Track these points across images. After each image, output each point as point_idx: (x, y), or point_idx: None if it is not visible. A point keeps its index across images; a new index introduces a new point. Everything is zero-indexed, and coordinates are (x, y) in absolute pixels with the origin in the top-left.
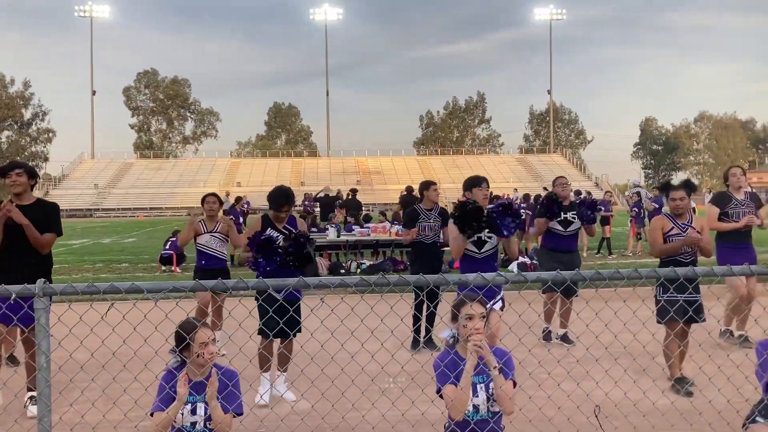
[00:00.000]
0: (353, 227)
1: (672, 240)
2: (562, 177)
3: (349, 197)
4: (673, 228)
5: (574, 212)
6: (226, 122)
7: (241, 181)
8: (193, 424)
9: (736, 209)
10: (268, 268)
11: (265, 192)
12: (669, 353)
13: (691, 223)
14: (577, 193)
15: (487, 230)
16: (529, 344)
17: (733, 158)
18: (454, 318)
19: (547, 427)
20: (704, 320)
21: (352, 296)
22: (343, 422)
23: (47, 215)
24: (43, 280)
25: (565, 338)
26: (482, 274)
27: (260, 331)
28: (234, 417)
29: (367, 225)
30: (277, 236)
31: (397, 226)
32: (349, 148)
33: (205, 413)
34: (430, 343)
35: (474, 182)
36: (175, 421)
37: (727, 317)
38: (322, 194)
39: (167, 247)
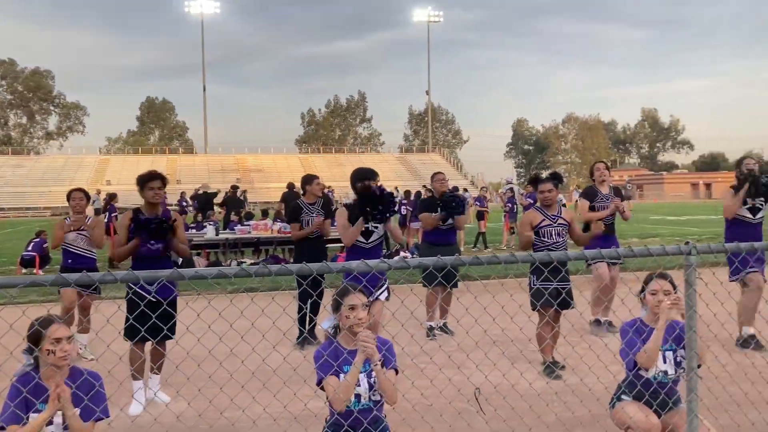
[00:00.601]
0: (235, 225)
1: (543, 230)
2: (439, 173)
3: (228, 194)
4: (543, 220)
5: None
6: (95, 117)
7: (111, 179)
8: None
9: (601, 203)
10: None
11: (135, 190)
12: (542, 338)
13: (560, 214)
14: (454, 189)
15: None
16: (412, 332)
17: (597, 157)
18: (336, 307)
19: (429, 412)
20: (574, 307)
21: (231, 295)
22: (222, 419)
23: None
24: None
25: (444, 328)
26: (365, 261)
27: (128, 333)
28: (98, 421)
29: (248, 222)
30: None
31: (279, 224)
32: (228, 145)
33: (63, 422)
34: (312, 335)
35: (365, 175)
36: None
37: (594, 306)
38: (200, 191)
39: (29, 248)
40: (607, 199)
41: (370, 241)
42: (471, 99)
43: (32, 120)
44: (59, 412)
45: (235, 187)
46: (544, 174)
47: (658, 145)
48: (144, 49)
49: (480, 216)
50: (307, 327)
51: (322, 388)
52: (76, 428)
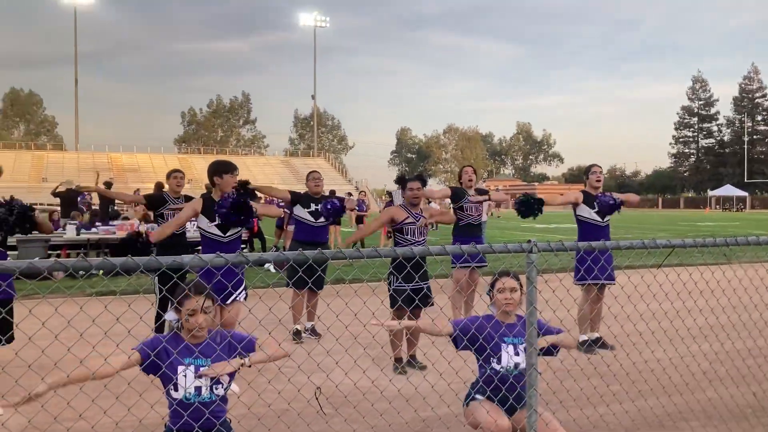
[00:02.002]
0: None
1: (407, 228)
2: (315, 171)
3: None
4: (407, 217)
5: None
6: None
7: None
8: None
9: (468, 203)
10: None
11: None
12: (394, 338)
13: (422, 214)
14: (331, 192)
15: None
16: (278, 337)
17: (475, 167)
18: (177, 309)
19: (286, 413)
20: (432, 305)
21: (86, 299)
22: (55, 424)
23: None
24: None
25: (313, 331)
26: (222, 254)
27: None
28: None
29: (113, 223)
30: None
31: (147, 225)
32: (101, 142)
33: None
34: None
35: (226, 168)
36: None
37: (454, 309)
38: (62, 188)
39: None
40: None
41: (227, 235)
42: (357, 106)
43: None
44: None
45: (108, 184)
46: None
47: (531, 157)
48: (8, 36)
49: (359, 220)
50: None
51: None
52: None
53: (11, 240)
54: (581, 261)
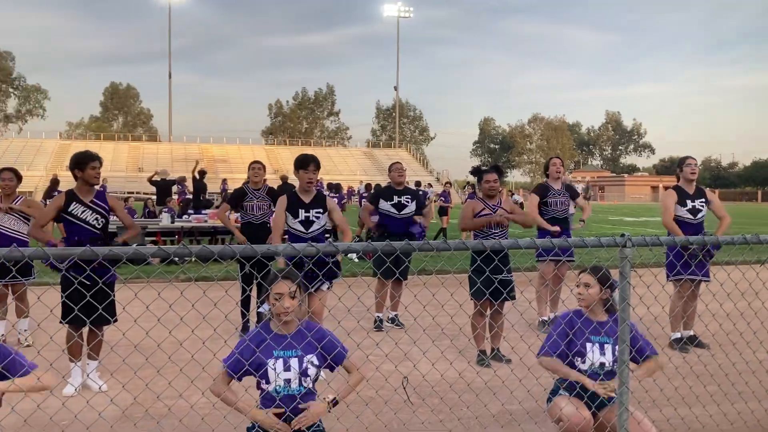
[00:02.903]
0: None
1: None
2: (397, 162)
3: (196, 179)
4: (484, 209)
5: (408, 196)
6: (56, 101)
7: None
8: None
9: (553, 198)
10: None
11: (116, 176)
12: (475, 325)
13: (500, 204)
14: (417, 183)
15: (316, 209)
16: (362, 324)
17: (562, 158)
18: (265, 294)
19: (382, 408)
20: (515, 298)
21: (182, 284)
22: (158, 403)
23: None
24: None
25: (394, 320)
26: (293, 245)
27: (64, 317)
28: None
29: (204, 211)
30: (83, 211)
31: (236, 215)
32: (193, 134)
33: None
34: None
35: (301, 164)
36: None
37: (540, 305)
38: (157, 178)
39: None
40: (560, 195)
41: (310, 230)
42: (439, 96)
43: None
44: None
45: (202, 173)
46: (508, 174)
47: (620, 147)
48: (109, 33)
49: (443, 212)
50: (250, 311)
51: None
52: (23, 387)
53: (112, 227)
54: (677, 256)
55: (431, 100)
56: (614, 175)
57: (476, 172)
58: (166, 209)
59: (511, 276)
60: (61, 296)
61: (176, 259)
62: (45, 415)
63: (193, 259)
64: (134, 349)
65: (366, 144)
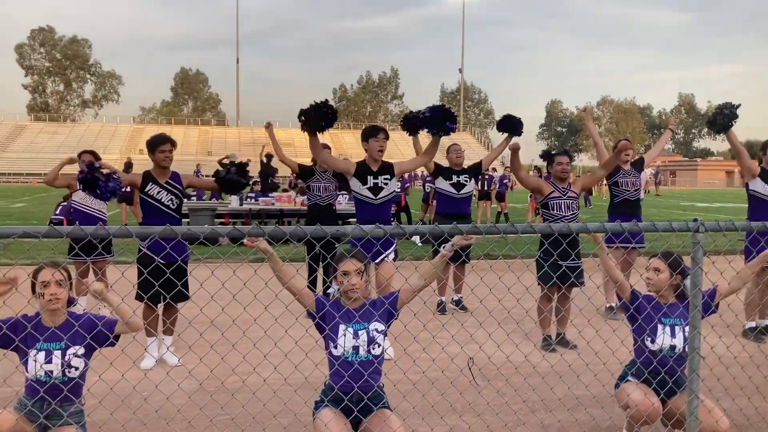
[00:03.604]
0: (265, 195)
1: (553, 203)
2: (455, 144)
3: (263, 163)
4: (553, 191)
5: (467, 175)
6: (129, 86)
7: (143, 149)
8: (49, 373)
9: (624, 178)
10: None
11: (179, 159)
12: (542, 309)
13: (570, 188)
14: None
15: (384, 176)
16: (415, 309)
17: (632, 141)
18: (331, 273)
19: (448, 388)
20: (583, 284)
21: (255, 264)
22: (233, 377)
23: None
24: None
25: (458, 303)
26: (381, 226)
27: (138, 296)
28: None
29: (271, 194)
30: (159, 192)
31: (302, 198)
32: (259, 118)
33: (63, 361)
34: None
35: (371, 132)
36: (28, 371)
37: (607, 292)
38: (226, 161)
39: (57, 211)
40: (630, 175)
41: (379, 197)
42: (505, 79)
43: (69, 88)
44: (58, 352)
45: (269, 157)
46: (576, 158)
47: (693, 131)
48: (178, 20)
49: (500, 197)
50: (317, 292)
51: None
52: (122, 310)
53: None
54: (754, 242)
55: (496, 82)
56: (686, 159)
57: (547, 155)
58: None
59: (580, 261)
60: (139, 274)
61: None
62: (128, 385)
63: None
64: (210, 325)
65: None
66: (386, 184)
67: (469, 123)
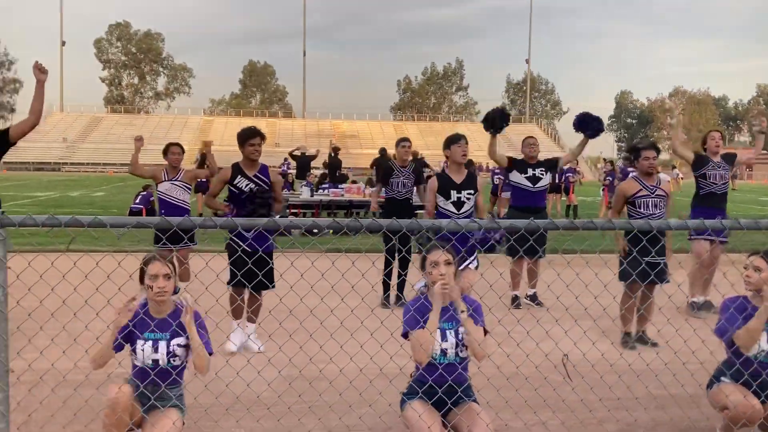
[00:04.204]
0: (334, 186)
1: (640, 201)
2: (530, 137)
3: (331, 155)
4: (641, 189)
5: (543, 168)
6: (200, 79)
7: (213, 140)
8: (155, 361)
9: (713, 170)
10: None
11: (236, 151)
12: (622, 306)
13: (659, 185)
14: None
15: (468, 191)
16: (490, 304)
17: (705, 133)
18: (423, 266)
19: (515, 377)
20: (668, 282)
21: (332, 255)
22: (311, 365)
23: None
24: (0, 210)
25: (533, 298)
26: (456, 220)
27: (231, 282)
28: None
29: (341, 186)
30: (247, 184)
31: (372, 189)
32: (324, 110)
33: (168, 351)
34: (398, 299)
35: (452, 139)
36: (136, 358)
37: (691, 287)
38: (297, 152)
39: (137, 201)
40: (719, 167)
41: (461, 211)
42: (573, 69)
43: (143, 80)
44: (164, 342)
45: (336, 149)
46: None
47: None
48: (247, 13)
49: (567, 189)
50: (393, 285)
51: (406, 337)
52: (197, 347)
53: None
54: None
55: (565, 73)
56: (765, 153)
57: (633, 148)
58: (305, 183)
59: (663, 258)
60: (228, 263)
61: (315, 231)
62: (211, 371)
63: (330, 231)
64: (289, 314)
65: None
66: (468, 198)
67: (535, 114)
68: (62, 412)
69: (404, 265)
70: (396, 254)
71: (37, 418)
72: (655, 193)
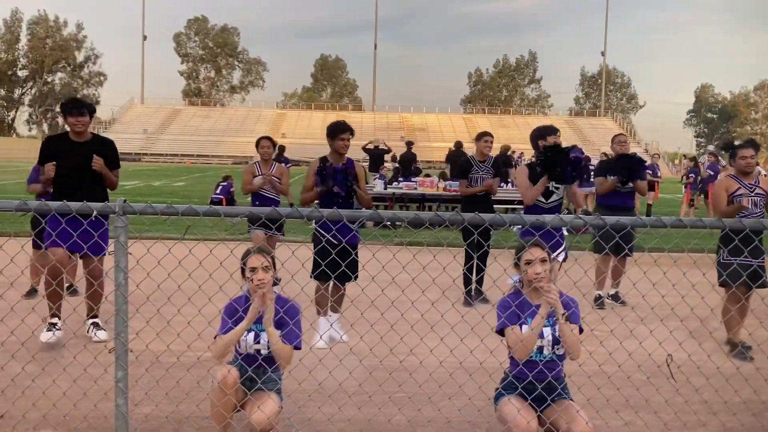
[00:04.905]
0: (408, 179)
1: (737, 201)
2: (621, 134)
3: (405, 150)
4: (739, 188)
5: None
6: (273, 72)
7: (285, 133)
8: (256, 351)
9: None
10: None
11: (308, 144)
12: (729, 314)
13: (758, 183)
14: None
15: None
16: (580, 299)
17: None
18: (516, 264)
19: (605, 383)
20: (765, 286)
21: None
22: (391, 356)
23: (107, 152)
24: (123, 199)
25: (615, 297)
26: (540, 216)
27: (315, 273)
28: (295, 349)
29: (414, 179)
30: (333, 170)
31: (444, 183)
32: (394, 103)
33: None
34: (479, 296)
35: (546, 131)
36: (239, 347)
37: None
38: (371, 146)
39: (217, 191)
40: None
41: (549, 201)
42: (650, 62)
43: (219, 74)
44: (264, 333)
45: (409, 143)
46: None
47: None
48: (319, 7)
49: (651, 187)
50: (473, 280)
51: (501, 334)
52: (276, 346)
53: None
54: None
55: (641, 65)
56: None
57: (728, 146)
58: (378, 176)
59: (761, 260)
60: (314, 256)
61: (388, 223)
62: (295, 358)
63: (405, 223)
64: (371, 304)
65: (568, 112)
66: (557, 188)
67: (610, 108)
68: (175, 392)
69: (484, 259)
70: (475, 249)
71: (153, 396)
72: (755, 191)
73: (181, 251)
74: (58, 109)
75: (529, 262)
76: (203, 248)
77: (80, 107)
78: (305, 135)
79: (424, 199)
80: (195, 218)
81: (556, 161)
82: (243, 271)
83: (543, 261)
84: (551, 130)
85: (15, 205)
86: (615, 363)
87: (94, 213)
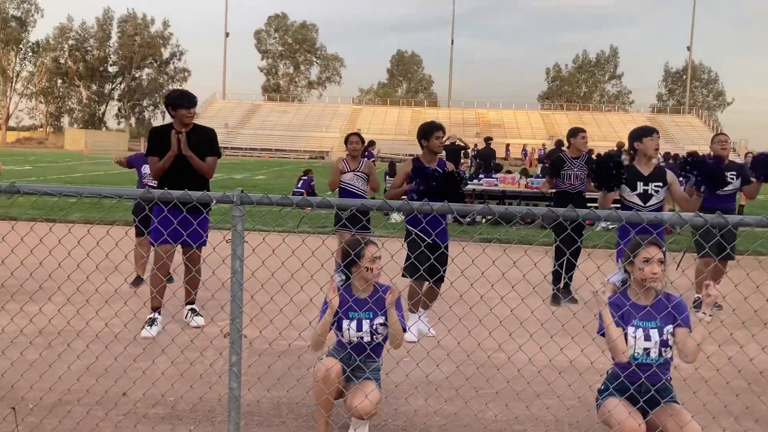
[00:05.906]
0: (488, 176)
1: None
2: (722, 134)
3: (485, 146)
4: None
5: (734, 172)
6: (350, 68)
7: (361, 128)
8: (359, 338)
9: None
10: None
11: (383, 140)
12: None
13: None
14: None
15: (656, 183)
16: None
17: None
18: (630, 261)
19: (702, 387)
20: None
21: (501, 245)
22: (478, 350)
23: (207, 140)
24: (240, 189)
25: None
26: (637, 213)
27: (409, 271)
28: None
29: (495, 175)
30: (433, 171)
31: (526, 180)
32: (469, 99)
33: (371, 329)
34: (567, 293)
35: (645, 131)
36: (342, 336)
37: None
38: (448, 142)
39: (299, 185)
40: None
41: (648, 204)
42: (741, 57)
43: (297, 70)
44: (366, 321)
45: (489, 139)
46: None
47: None
48: (397, 3)
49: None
50: (563, 277)
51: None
52: (396, 326)
53: None
54: None
55: (730, 60)
56: None
57: None
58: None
59: None
60: (408, 255)
61: (479, 219)
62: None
63: (483, 220)
64: (459, 299)
65: (650, 109)
66: (657, 191)
67: (695, 105)
68: (286, 378)
69: (576, 256)
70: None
71: (265, 382)
72: None
73: (295, 241)
74: (145, 103)
75: (647, 260)
76: (316, 239)
77: (191, 99)
78: (380, 131)
79: (505, 196)
80: (291, 211)
81: (608, 169)
82: (346, 257)
83: (661, 261)
84: (647, 132)
85: (139, 193)
86: (713, 367)
87: (213, 202)
